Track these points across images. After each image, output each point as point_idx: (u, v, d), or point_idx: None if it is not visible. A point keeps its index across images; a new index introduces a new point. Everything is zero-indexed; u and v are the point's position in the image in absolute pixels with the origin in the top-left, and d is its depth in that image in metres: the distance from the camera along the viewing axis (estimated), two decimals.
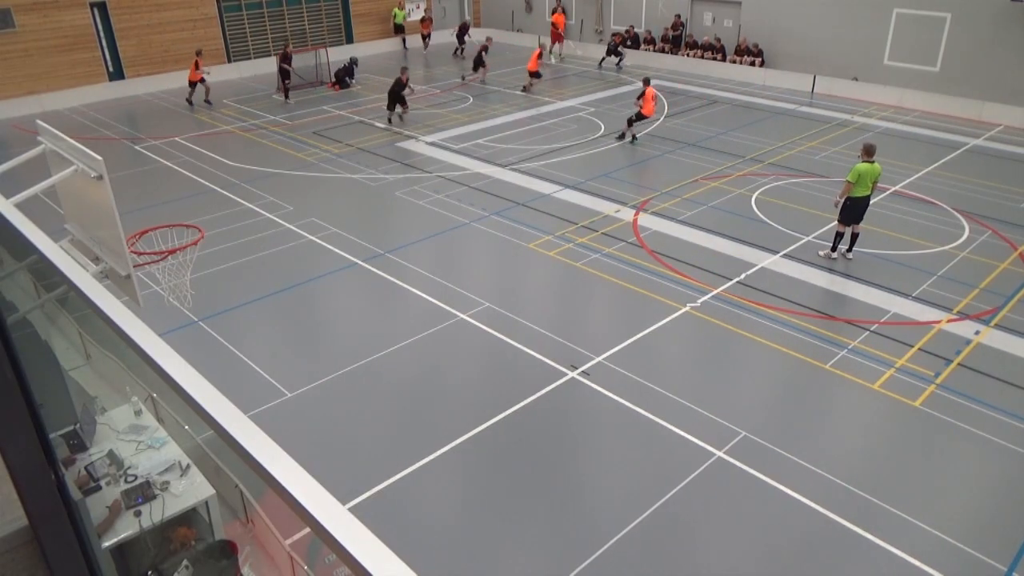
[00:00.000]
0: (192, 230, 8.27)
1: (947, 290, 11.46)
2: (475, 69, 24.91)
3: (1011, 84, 20.47)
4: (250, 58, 27.41)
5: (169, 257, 7.73)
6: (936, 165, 17.13)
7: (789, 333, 10.30)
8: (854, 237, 12.16)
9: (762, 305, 10.92)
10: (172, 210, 14.08)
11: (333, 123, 20.44)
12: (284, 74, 22.72)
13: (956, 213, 14.37)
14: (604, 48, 27.82)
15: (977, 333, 10.32)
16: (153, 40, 25.02)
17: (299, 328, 10.53)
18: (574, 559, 6.71)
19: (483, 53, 24.75)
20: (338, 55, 26.48)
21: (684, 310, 10.81)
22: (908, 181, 16.07)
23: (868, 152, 11.54)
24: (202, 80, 21.88)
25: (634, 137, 18.65)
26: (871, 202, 12.17)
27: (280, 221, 13.92)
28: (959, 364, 9.61)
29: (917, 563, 6.69)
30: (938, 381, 9.26)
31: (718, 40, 26.46)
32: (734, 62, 25.59)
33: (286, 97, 22.77)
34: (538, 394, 8.96)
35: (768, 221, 13.88)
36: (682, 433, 8.31)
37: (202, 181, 16.11)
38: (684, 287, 11.46)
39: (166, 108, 22.64)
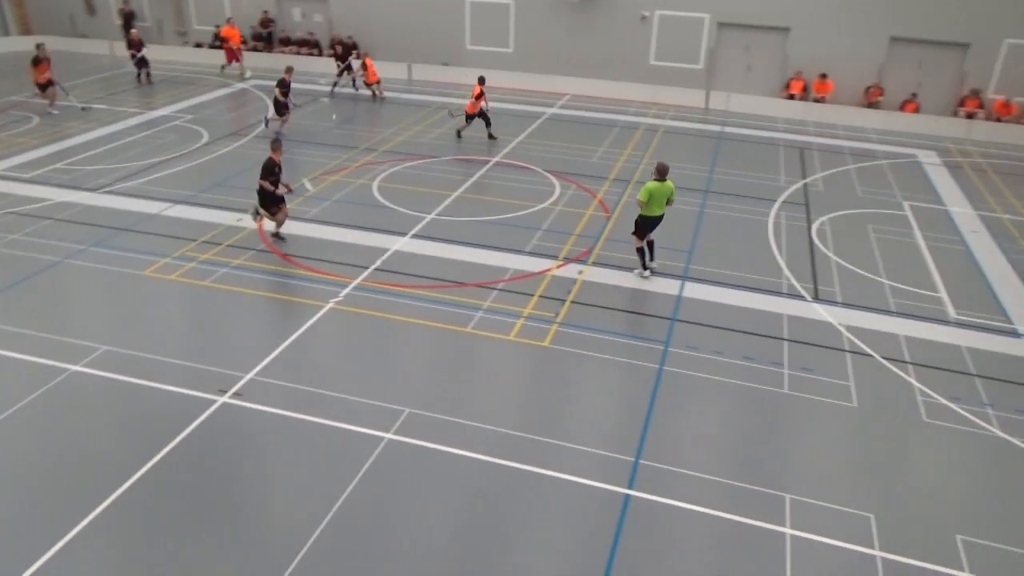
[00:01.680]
0: None
1: (551, 241, 13.07)
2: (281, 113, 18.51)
3: (568, 59, 24.00)
4: None
5: None
6: (525, 134, 19.36)
7: (430, 307, 10.82)
8: (650, 245, 11.96)
9: (401, 286, 11.28)
10: None
11: None
12: None
13: (547, 174, 16.43)
14: (193, 51, 25.88)
15: (580, 273, 11.97)
16: None
17: None
18: None
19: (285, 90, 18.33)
20: None
21: (328, 307, 10.68)
22: (506, 151, 17.91)
23: (660, 172, 11.34)
24: None
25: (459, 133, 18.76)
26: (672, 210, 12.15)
27: None
28: (572, 302, 11.06)
29: (575, 479, 7.59)
30: (558, 320, 10.54)
31: (312, 35, 26.39)
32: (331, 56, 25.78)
33: None
34: (188, 430, 8.11)
35: (392, 206, 14.35)
36: (349, 427, 8.24)
37: None
38: (324, 284, 11.31)
39: None
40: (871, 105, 22.03)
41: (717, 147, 19.09)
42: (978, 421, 8.94)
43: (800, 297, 11.59)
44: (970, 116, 21.25)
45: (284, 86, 18.09)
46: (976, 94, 21.33)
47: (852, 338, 10.52)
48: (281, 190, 12.39)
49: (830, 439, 8.65)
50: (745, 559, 6.85)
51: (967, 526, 7.39)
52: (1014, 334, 10.93)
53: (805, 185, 16.55)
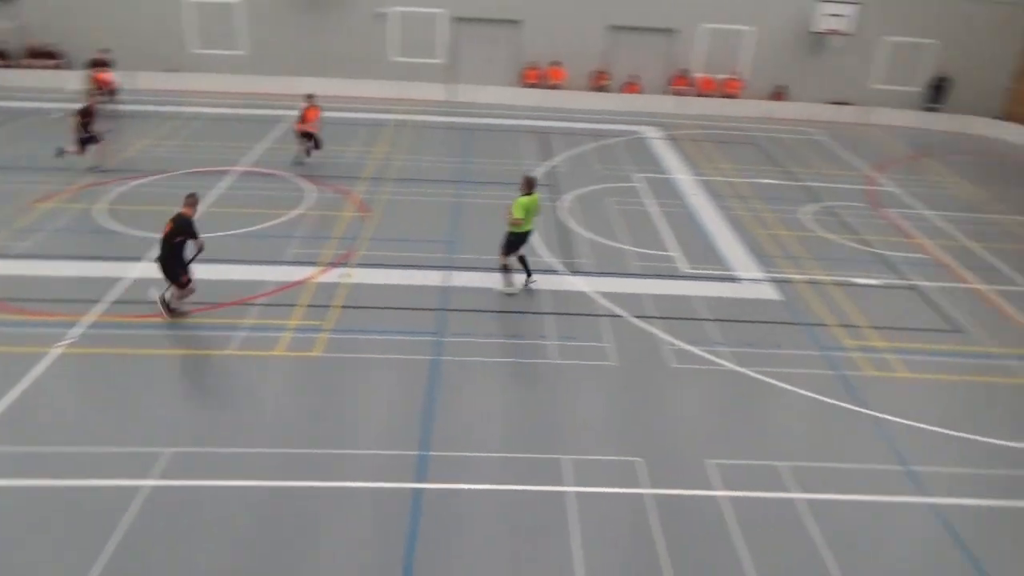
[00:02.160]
0: None
1: (311, 247, 12.64)
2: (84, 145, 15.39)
3: (307, 59, 23.27)
4: None
5: None
6: (268, 140, 18.46)
7: (184, 334, 9.97)
8: (523, 260, 11.50)
9: (146, 317, 10.24)
10: None
11: None
12: None
13: (297, 178, 15.83)
14: None
15: (345, 276, 11.70)
16: None
17: None
18: None
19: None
20: None
21: (54, 352, 9.39)
22: (250, 159, 16.96)
23: (529, 184, 11.09)
24: None
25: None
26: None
27: None
28: (340, 307, 10.78)
29: (363, 484, 7.43)
30: (327, 328, 10.23)
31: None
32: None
33: None
34: None
35: (124, 229, 12.97)
36: (97, 482, 7.33)
37: None
38: (44, 327, 9.88)
39: None
40: (599, 89, 23.99)
41: (465, 138, 19.65)
42: (715, 359, 10.13)
43: (556, 271, 12.32)
44: (681, 94, 23.95)
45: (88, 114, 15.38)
46: (684, 73, 24.06)
47: (605, 303, 11.39)
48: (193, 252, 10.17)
49: (597, 397, 9.31)
50: (534, 523, 7.17)
51: (715, 450, 8.36)
52: (733, 280, 12.53)
53: (552, 167, 17.60)
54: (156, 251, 10.15)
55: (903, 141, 22.18)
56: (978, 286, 12.89)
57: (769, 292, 12.12)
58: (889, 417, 9.16)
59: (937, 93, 24.27)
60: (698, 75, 24.05)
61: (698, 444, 8.51)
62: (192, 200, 10.30)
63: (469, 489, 7.55)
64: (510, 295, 11.37)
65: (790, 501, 7.70)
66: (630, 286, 11.96)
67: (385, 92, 23.53)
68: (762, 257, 13.36)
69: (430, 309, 10.90)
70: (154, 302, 10.19)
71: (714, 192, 16.52)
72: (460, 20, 23.51)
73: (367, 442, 8.12)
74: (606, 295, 11.61)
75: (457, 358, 9.73)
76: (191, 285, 10.15)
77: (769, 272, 12.81)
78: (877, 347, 10.71)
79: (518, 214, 10.97)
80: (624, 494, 7.64)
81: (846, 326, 11.22)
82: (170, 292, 10.19)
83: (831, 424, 9.07)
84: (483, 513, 7.32)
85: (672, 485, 7.80)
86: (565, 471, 7.87)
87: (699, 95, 24.02)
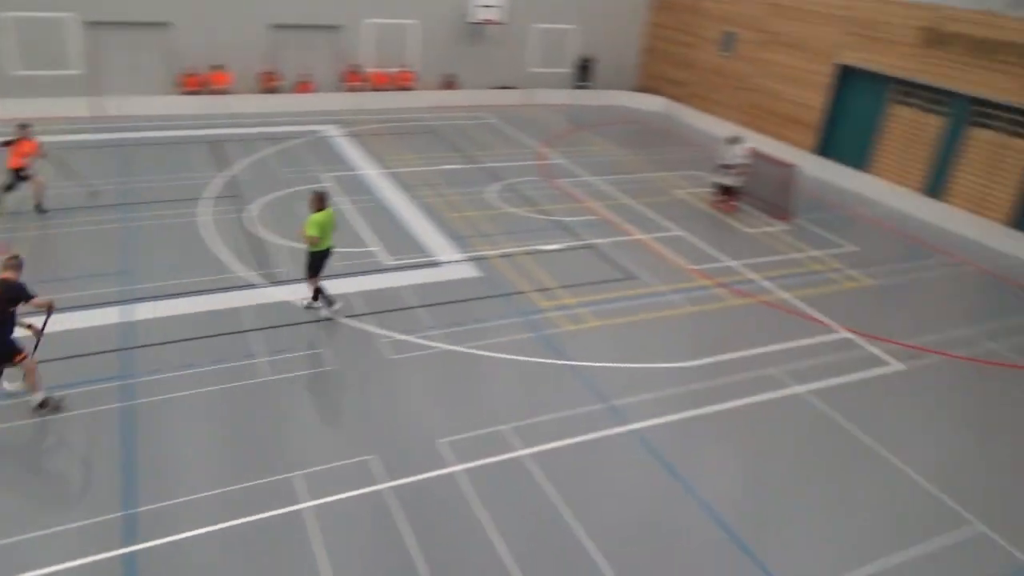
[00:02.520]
0: None
1: None
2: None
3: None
4: None
5: None
6: None
7: None
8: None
9: None
10: None
11: None
12: None
13: None
14: None
15: None
16: None
17: None
18: None
19: None
20: None
21: None
22: None
23: (321, 200, 10.40)
24: None
25: None
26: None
27: None
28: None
29: (63, 566, 6.33)
30: None
31: None
32: None
33: None
34: None
35: None
36: None
37: None
38: None
39: None
40: (270, 91, 22.98)
41: (123, 156, 17.59)
42: (429, 343, 10.37)
43: (255, 285, 11.62)
44: (356, 89, 23.93)
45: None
46: (357, 69, 24.06)
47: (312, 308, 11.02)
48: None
49: (320, 405, 9.00)
50: (274, 551, 6.74)
51: (444, 429, 8.59)
52: (435, 264, 12.91)
53: (232, 177, 16.50)
54: None
55: (562, 117, 24.60)
56: (639, 236, 14.81)
57: (469, 271, 12.70)
58: (587, 363, 10.17)
59: (584, 72, 27.30)
60: (370, 70, 24.23)
61: (427, 427, 8.65)
62: (14, 262, 8.18)
63: (191, 536, 6.85)
64: (332, 313, 10.83)
65: (519, 459, 8.19)
66: (336, 287, 11.70)
67: (9, 112, 20.02)
68: (458, 239, 13.94)
69: (111, 351, 9.61)
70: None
71: (403, 183, 16.82)
72: (95, 25, 20.84)
73: (58, 518, 6.95)
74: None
75: (154, 398, 8.73)
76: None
77: (466, 252, 13.41)
78: (568, 304, 11.80)
79: (312, 232, 10.36)
80: (363, 495, 7.51)
81: (540, 290, 12.19)
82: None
83: (541, 380, 9.81)
84: (214, 557, 6.70)
85: (409, 473, 7.85)
86: (298, 488, 7.51)
87: (374, 89, 24.23)
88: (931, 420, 9.70)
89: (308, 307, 10.97)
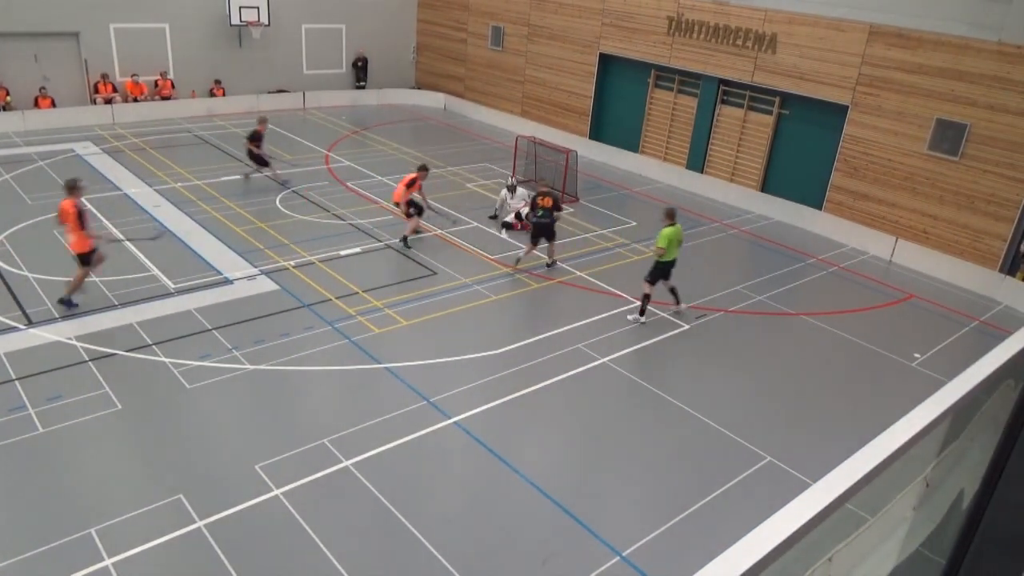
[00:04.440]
0: None
1: None
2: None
3: None
4: None
5: None
6: None
7: None
8: (673, 291, 11.96)
9: None
10: None
11: None
12: None
13: None
14: None
15: None
16: None
17: None
18: None
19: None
20: None
21: None
22: None
23: (671, 216, 11.51)
24: None
25: None
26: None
27: None
28: None
29: None
30: None
31: None
32: None
33: None
34: None
35: None
36: None
37: None
38: None
39: None
40: (1, 108, 20.11)
41: None
42: (231, 366, 9.67)
43: (11, 329, 10.14)
44: (108, 101, 21.63)
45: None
46: (106, 79, 21.73)
47: (87, 346, 9.84)
48: None
49: (113, 451, 8.06)
50: None
51: (262, 453, 8.06)
52: (227, 282, 12.06)
53: None
54: None
55: (342, 119, 24.02)
56: (437, 231, 14.86)
57: (266, 285, 12.02)
58: (402, 364, 10.05)
59: (361, 72, 26.82)
60: (123, 79, 22.02)
61: (240, 454, 8.07)
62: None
63: None
64: (643, 323, 11.71)
65: (344, 470, 7.90)
66: (113, 320, 10.55)
67: None
68: (249, 253, 13.13)
69: None
70: None
71: (180, 199, 15.51)
72: None
73: None
74: (86, 337, 10.04)
75: None
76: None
77: (260, 266, 12.67)
78: (376, 307, 11.58)
79: (662, 244, 11.29)
80: (175, 538, 6.84)
81: (344, 296, 11.83)
82: None
83: (357, 387, 9.54)
84: None
85: (226, 506, 7.27)
86: (101, 544, 6.66)
87: (133, 100, 22.06)
88: (720, 371, 10.73)
89: (643, 321, 11.77)
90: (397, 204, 14.26)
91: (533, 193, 13.98)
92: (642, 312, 11.74)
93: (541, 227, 13.05)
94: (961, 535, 2.20)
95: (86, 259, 10.69)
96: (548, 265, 13.53)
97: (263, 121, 16.79)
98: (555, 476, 8.19)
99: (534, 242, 13.20)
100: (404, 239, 14.02)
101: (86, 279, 10.84)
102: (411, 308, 11.65)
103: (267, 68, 24.76)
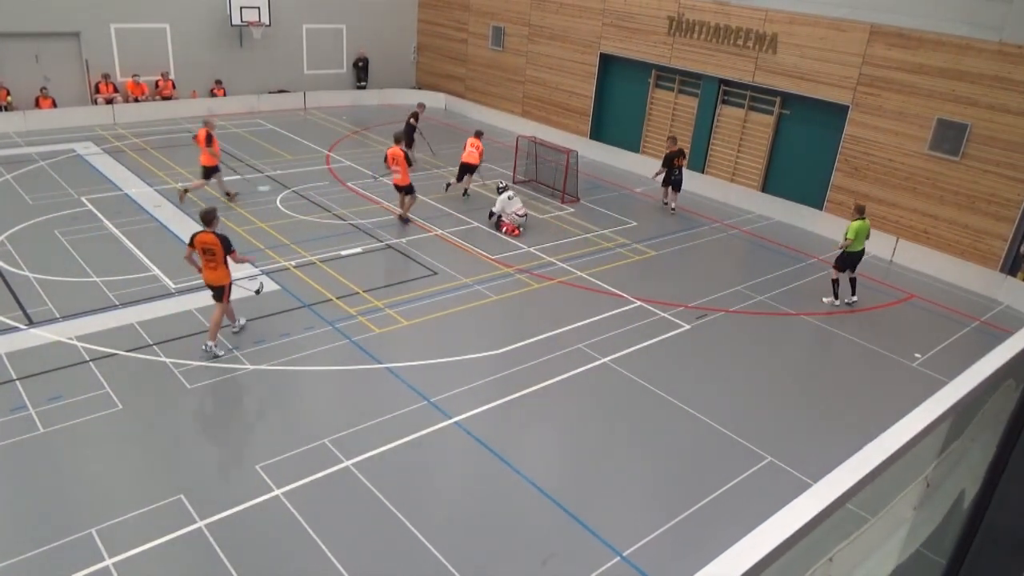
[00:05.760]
0: None
1: None
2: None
3: None
4: None
5: None
6: None
7: None
8: (852, 282, 13.14)
9: None
10: None
11: None
12: None
13: None
14: None
15: None
16: None
17: None
18: None
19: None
20: None
21: None
22: None
23: (860, 211, 12.80)
24: None
25: None
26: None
27: None
28: None
29: None
30: None
31: None
32: None
33: None
34: None
35: None
36: None
37: None
38: None
39: None
40: (1, 108, 20.13)
41: None
42: (232, 366, 9.68)
43: (12, 329, 10.15)
44: (109, 101, 21.65)
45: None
46: (107, 79, 21.75)
47: (88, 346, 9.85)
48: None
49: (115, 450, 8.07)
50: None
51: (263, 453, 8.06)
52: None
53: None
54: None
55: (343, 119, 24.02)
56: (437, 232, 14.87)
57: (267, 285, 12.02)
58: (403, 364, 10.05)
59: (362, 73, 26.81)
60: (124, 79, 22.03)
61: (244, 454, 8.09)
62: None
63: None
64: (835, 306, 12.92)
65: (345, 470, 7.90)
66: (115, 319, 10.56)
67: None
68: (251, 253, 13.13)
69: None
70: None
71: (179, 199, 15.51)
72: None
73: None
74: (87, 337, 10.05)
75: None
76: None
77: (260, 265, 12.68)
78: (376, 307, 11.58)
79: (850, 235, 12.57)
80: (175, 538, 6.84)
81: (345, 296, 11.84)
82: None
83: (358, 387, 9.54)
84: None
85: (227, 506, 7.27)
86: (102, 544, 6.67)
87: (134, 100, 22.07)
88: (720, 371, 10.73)
89: (836, 303, 13.00)
90: (398, 188, 15.06)
91: (515, 196, 15.17)
92: (836, 296, 13.05)
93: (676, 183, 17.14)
94: (962, 535, 2.20)
95: (219, 293, 9.89)
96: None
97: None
98: (555, 476, 8.18)
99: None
100: (402, 217, 15.21)
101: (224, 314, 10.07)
102: (412, 308, 11.65)
103: (268, 68, 24.76)
